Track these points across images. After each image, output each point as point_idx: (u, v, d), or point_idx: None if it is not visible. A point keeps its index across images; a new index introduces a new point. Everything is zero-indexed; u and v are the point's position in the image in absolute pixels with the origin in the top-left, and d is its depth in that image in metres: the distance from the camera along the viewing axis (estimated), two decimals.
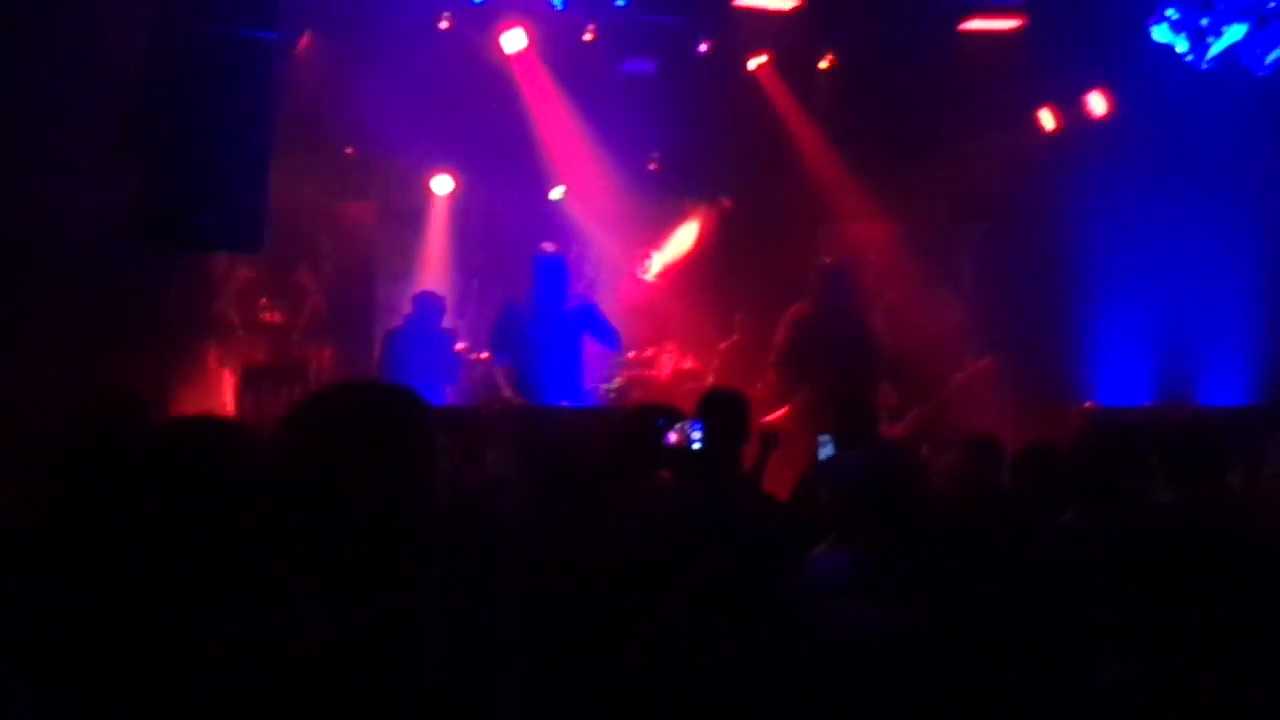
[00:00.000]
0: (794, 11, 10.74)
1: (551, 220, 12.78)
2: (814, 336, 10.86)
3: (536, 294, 10.52)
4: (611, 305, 12.04)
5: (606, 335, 10.71)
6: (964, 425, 10.13)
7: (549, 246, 10.84)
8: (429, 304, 11.24)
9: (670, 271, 13.45)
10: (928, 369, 11.58)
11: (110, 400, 4.97)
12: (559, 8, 8.83)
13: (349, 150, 12.14)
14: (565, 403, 10.20)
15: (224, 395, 11.05)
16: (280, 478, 2.47)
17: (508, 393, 10.37)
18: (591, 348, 10.77)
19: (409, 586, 2.47)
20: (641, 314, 12.72)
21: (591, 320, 10.68)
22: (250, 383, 11.08)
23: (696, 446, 3.62)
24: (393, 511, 2.43)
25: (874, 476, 4.56)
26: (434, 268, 12.68)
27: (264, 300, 11.58)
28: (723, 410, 5.40)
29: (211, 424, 3.44)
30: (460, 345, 11.61)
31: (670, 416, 3.66)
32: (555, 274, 10.54)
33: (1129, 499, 5.07)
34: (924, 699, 3.69)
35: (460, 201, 12.77)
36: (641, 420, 3.63)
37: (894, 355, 11.98)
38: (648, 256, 13.34)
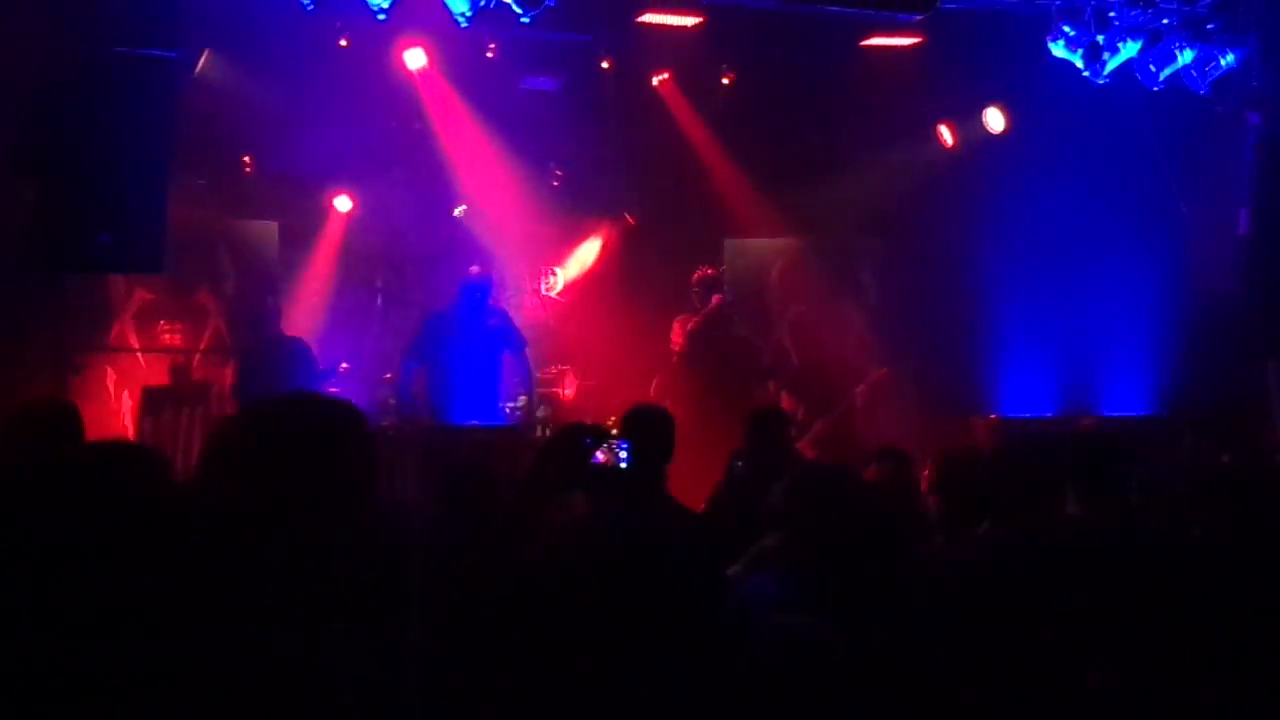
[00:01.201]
0: (696, 29, 10.78)
1: (454, 237, 12.73)
2: (701, 345, 11.04)
3: (459, 312, 10.52)
4: (515, 322, 12.02)
5: (516, 346, 10.75)
6: (868, 438, 10.23)
7: (475, 270, 10.87)
8: (262, 316, 11.05)
9: (574, 288, 13.44)
10: (831, 382, 11.69)
11: (46, 415, 4.87)
12: (464, 24, 8.77)
13: (248, 169, 11.98)
14: (474, 421, 10.15)
15: (123, 418, 10.86)
16: (214, 494, 2.41)
17: (415, 403, 10.32)
18: (505, 366, 10.78)
19: (354, 609, 2.43)
20: (545, 331, 12.70)
21: (508, 334, 10.72)
22: (150, 405, 10.88)
23: (624, 466, 3.59)
24: (335, 528, 2.38)
25: (804, 495, 4.54)
26: (336, 286, 12.55)
27: (163, 322, 11.40)
28: (646, 428, 5.39)
29: (124, 450, 3.35)
30: (343, 365, 11.51)
31: (598, 436, 3.63)
32: (480, 296, 10.60)
33: (1043, 511, 5.13)
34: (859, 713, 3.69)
35: (362, 219, 12.66)
36: (569, 440, 3.61)
37: (797, 368, 12.09)
38: (551, 273, 13.32)
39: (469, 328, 10.46)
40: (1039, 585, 4.58)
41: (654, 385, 11.69)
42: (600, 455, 3.54)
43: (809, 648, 3.14)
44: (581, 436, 3.60)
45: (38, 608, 2.68)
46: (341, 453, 2.47)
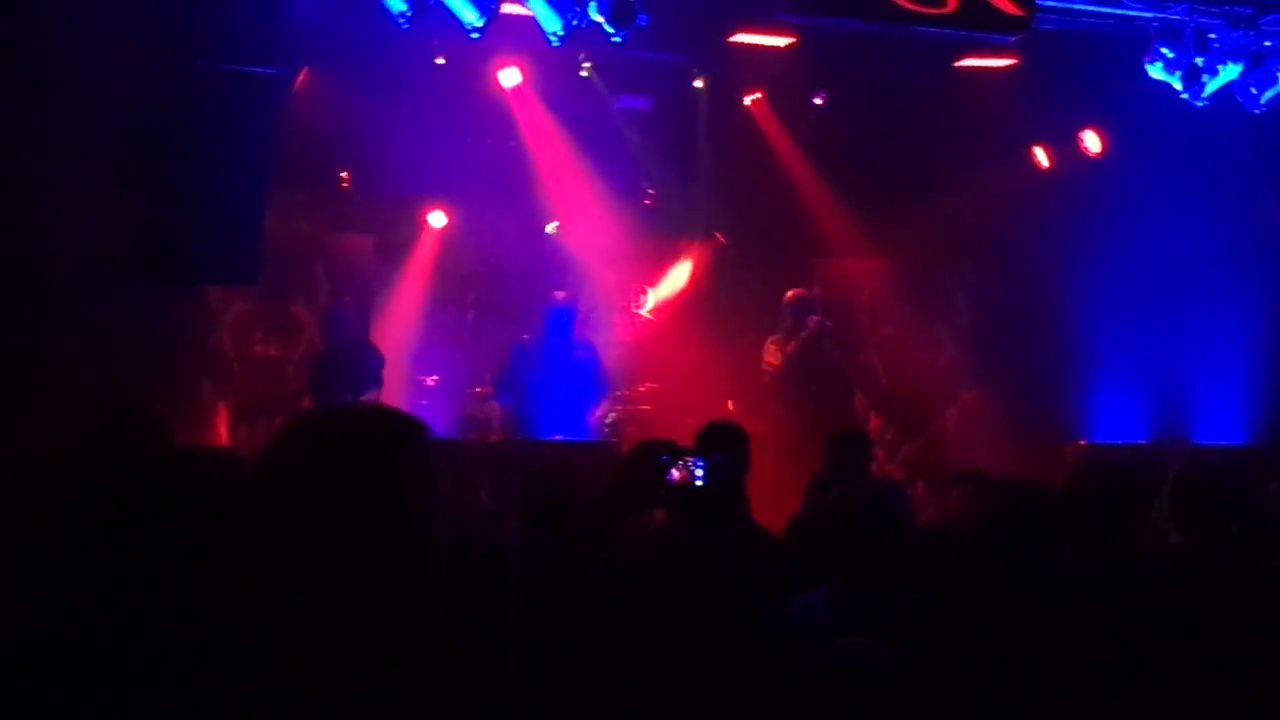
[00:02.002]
0: (789, 49, 10.78)
1: (546, 254, 12.81)
2: (798, 367, 11.00)
3: (546, 340, 10.58)
4: (606, 340, 12.06)
5: (598, 383, 10.76)
6: (958, 461, 10.14)
7: (560, 295, 10.91)
8: (338, 319, 11.10)
9: (665, 307, 13.46)
10: (921, 405, 11.60)
11: (134, 421, 4.98)
12: (556, 44, 8.85)
13: (345, 184, 12.15)
14: (559, 436, 10.20)
15: (218, 428, 11.02)
16: (270, 499, 2.47)
17: (500, 431, 10.39)
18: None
19: (408, 606, 2.48)
20: (636, 350, 12.71)
21: (594, 373, 10.75)
22: (243, 415, 11.05)
23: (700, 484, 3.61)
24: (388, 531, 2.43)
25: (858, 513, 4.53)
26: (428, 300, 12.67)
27: (259, 334, 11.55)
28: (722, 444, 5.38)
29: (203, 455, 3.42)
30: (432, 379, 11.61)
31: (674, 453, 3.65)
32: (565, 322, 10.64)
33: (1126, 539, 5.06)
34: None
35: (456, 235, 12.77)
36: (644, 457, 3.63)
37: (887, 391, 12.02)
38: (643, 292, 13.34)
39: (555, 357, 10.50)
40: (1123, 616, 4.52)
41: (730, 405, 11.67)
42: (676, 473, 3.56)
43: (863, 671, 3.13)
44: (657, 454, 3.64)
45: (112, 606, 2.75)
46: (396, 462, 2.53)
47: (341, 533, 2.47)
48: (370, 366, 10.54)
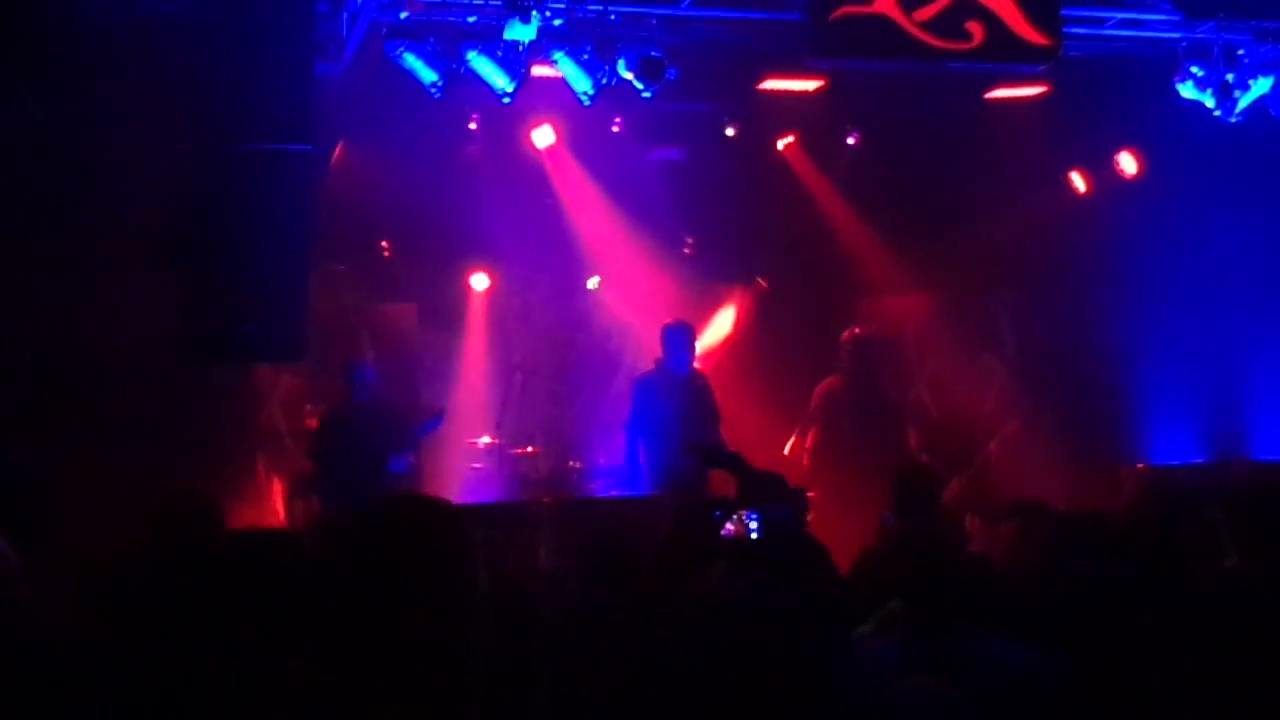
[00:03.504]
0: (818, 92, 10.81)
1: (589, 310, 12.85)
2: (844, 408, 10.91)
3: (667, 364, 10.45)
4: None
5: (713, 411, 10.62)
6: (1010, 493, 10.05)
7: (671, 319, 10.80)
8: (357, 377, 10.37)
9: (711, 355, 13.44)
10: (967, 438, 11.51)
11: (185, 510, 5.01)
12: (587, 103, 8.92)
13: (386, 253, 12.24)
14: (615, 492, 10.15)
15: (274, 503, 11.06)
16: (323, 596, 2.49)
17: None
18: None
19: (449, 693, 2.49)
20: None
21: (706, 388, 10.64)
22: (298, 489, 11.07)
23: (754, 536, 3.60)
24: (432, 620, 2.45)
25: (910, 554, 4.49)
26: (475, 364, 12.71)
27: (309, 407, 11.58)
28: (767, 494, 5.34)
29: (263, 538, 3.44)
30: (483, 441, 11.61)
31: (726, 508, 3.65)
32: (683, 343, 10.50)
33: (1195, 562, 4.99)
34: None
35: (498, 297, 12.84)
36: (698, 514, 3.62)
37: (937, 425, 11.95)
38: None
39: (677, 379, 10.35)
40: (1196, 642, 4.45)
41: (789, 446, 11.59)
42: (730, 527, 3.56)
43: (925, 714, 3.11)
44: (710, 510, 3.63)
45: (175, 687, 2.77)
46: (434, 547, 2.55)
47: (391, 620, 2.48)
48: (399, 430, 10.28)
